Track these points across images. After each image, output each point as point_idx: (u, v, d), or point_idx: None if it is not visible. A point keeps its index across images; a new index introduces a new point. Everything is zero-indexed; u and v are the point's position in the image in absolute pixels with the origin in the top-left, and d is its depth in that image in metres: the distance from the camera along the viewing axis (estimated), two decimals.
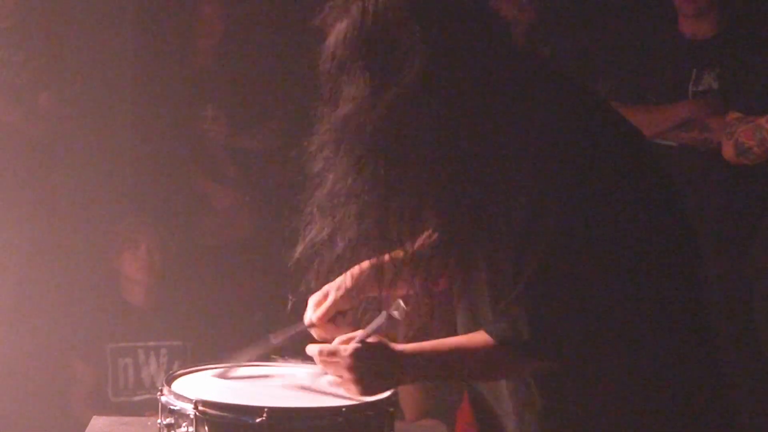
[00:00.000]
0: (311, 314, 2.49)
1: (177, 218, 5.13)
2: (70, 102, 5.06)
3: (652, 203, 2.17)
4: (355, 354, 2.20)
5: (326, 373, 2.41)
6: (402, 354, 2.20)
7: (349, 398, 2.29)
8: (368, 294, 2.51)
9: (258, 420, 2.15)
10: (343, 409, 2.21)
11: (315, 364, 2.53)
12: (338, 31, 2.12)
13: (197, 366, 2.50)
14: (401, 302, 2.23)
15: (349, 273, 2.49)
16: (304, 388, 2.40)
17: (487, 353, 2.14)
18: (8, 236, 4.82)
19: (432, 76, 2.06)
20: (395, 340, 2.24)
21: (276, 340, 2.49)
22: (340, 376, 2.25)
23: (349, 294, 2.47)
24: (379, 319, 2.23)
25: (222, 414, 2.19)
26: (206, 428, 2.18)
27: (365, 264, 2.49)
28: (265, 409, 2.16)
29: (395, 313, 2.20)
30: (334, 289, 2.47)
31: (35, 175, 4.95)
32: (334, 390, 2.37)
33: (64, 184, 5.06)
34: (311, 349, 2.29)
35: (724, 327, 4.09)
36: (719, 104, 4.24)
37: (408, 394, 4.51)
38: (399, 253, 2.44)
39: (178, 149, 5.24)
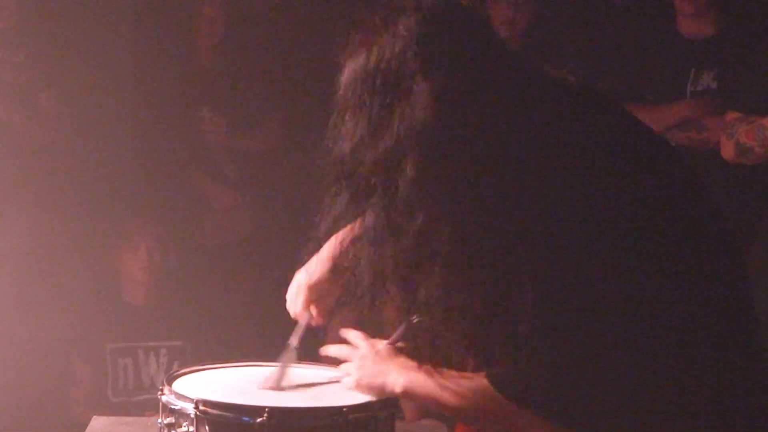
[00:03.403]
0: (297, 307, 2.51)
1: (177, 218, 5.13)
2: (70, 102, 5.07)
3: (685, 238, 2.07)
4: (366, 356, 2.22)
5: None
6: (402, 371, 2.19)
7: (351, 398, 2.30)
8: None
9: (259, 420, 2.15)
10: (344, 409, 2.21)
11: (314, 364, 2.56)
12: (349, 68, 2.11)
13: (197, 366, 2.51)
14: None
15: (320, 256, 2.48)
16: (305, 387, 2.41)
17: (486, 396, 2.08)
18: (8, 236, 4.82)
19: (439, 126, 2.02)
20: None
21: (294, 341, 2.50)
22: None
23: (326, 275, 2.47)
24: (400, 328, 2.22)
25: (223, 414, 2.19)
26: (207, 428, 2.18)
27: (336, 239, 2.45)
28: (266, 409, 2.16)
29: (414, 319, 2.20)
30: (306, 276, 2.50)
31: (35, 175, 4.96)
32: (335, 389, 2.38)
33: (64, 184, 5.06)
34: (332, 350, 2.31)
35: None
36: (717, 104, 4.24)
37: None
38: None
39: (178, 149, 5.24)
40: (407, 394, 2.21)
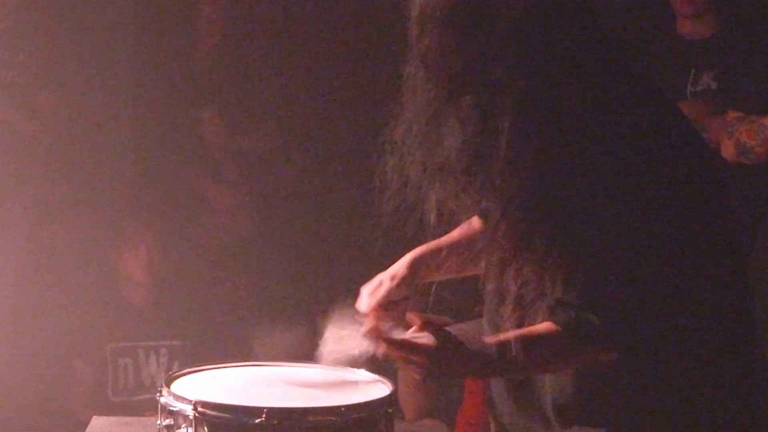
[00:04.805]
0: (365, 303, 2.51)
1: (177, 218, 5.13)
2: (70, 102, 5.07)
3: (707, 200, 2.19)
4: (439, 341, 2.20)
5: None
6: (468, 349, 2.20)
7: (349, 398, 2.31)
8: (425, 280, 2.53)
9: (257, 420, 2.16)
10: (342, 409, 2.22)
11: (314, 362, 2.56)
12: None
13: (196, 366, 2.51)
14: None
15: (404, 261, 2.52)
16: (303, 387, 2.41)
17: (553, 343, 2.15)
18: (8, 236, 4.82)
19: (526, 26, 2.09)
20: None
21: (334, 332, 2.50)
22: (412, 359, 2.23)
23: (404, 282, 2.49)
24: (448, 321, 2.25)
25: (221, 415, 2.20)
26: (205, 429, 2.19)
27: (419, 251, 2.51)
28: (264, 410, 2.17)
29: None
30: (388, 278, 2.50)
31: (35, 175, 4.96)
32: (333, 389, 2.38)
33: (64, 184, 5.06)
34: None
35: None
36: (717, 104, 4.24)
37: (408, 394, 4.51)
38: (455, 239, 2.48)
39: (178, 150, 5.25)
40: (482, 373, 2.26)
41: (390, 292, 2.48)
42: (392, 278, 2.49)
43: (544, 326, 2.15)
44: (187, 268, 5.02)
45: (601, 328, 2.10)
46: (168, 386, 2.32)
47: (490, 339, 2.19)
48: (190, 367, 2.49)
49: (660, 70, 4.35)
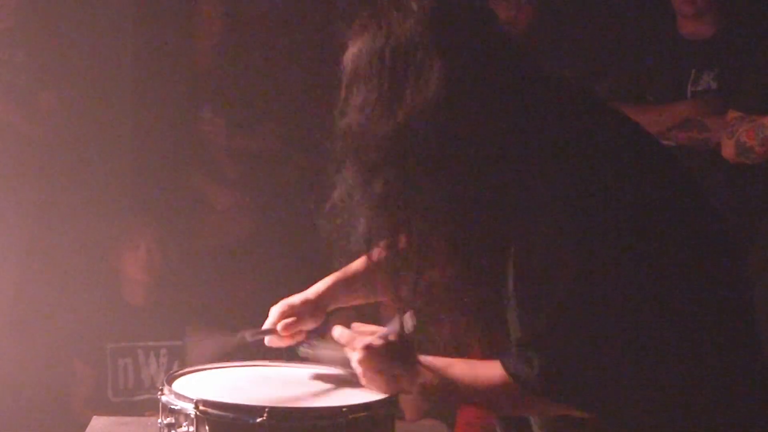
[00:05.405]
0: (273, 323, 2.51)
1: (177, 218, 5.14)
2: (70, 102, 5.07)
3: (684, 236, 2.10)
4: (369, 348, 2.19)
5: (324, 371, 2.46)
6: (415, 362, 2.18)
7: (351, 398, 2.30)
8: (334, 307, 2.54)
9: (258, 420, 2.15)
10: (344, 410, 2.21)
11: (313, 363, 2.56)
12: (357, 44, 2.13)
13: (197, 366, 2.51)
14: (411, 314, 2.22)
15: (315, 287, 2.53)
16: (306, 387, 2.41)
17: (498, 383, 2.10)
18: (8, 236, 4.82)
19: (447, 95, 2.04)
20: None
21: (248, 336, 2.50)
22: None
23: (310, 307, 2.50)
24: (395, 322, 2.21)
25: (223, 414, 2.19)
26: (207, 428, 2.18)
27: (331, 278, 2.53)
28: (266, 409, 2.16)
29: (408, 323, 2.20)
30: (295, 298, 2.51)
31: (35, 175, 4.96)
32: (334, 390, 2.38)
33: (64, 184, 5.06)
34: (336, 332, 2.28)
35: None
36: (718, 104, 4.24)
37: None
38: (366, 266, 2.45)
39: (178, 149, 5.25)
40: (422, 393, 2.21)
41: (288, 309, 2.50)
42: (303, 303, 2.50)
43: (492, 369, 2.11)
44: (187, 268, 5.02)
45: (542, 380, 2.04)
46: (169, 384, 2.31)
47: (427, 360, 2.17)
48: (192, 366, 2.49)
49: (661, 70, 4.36)
